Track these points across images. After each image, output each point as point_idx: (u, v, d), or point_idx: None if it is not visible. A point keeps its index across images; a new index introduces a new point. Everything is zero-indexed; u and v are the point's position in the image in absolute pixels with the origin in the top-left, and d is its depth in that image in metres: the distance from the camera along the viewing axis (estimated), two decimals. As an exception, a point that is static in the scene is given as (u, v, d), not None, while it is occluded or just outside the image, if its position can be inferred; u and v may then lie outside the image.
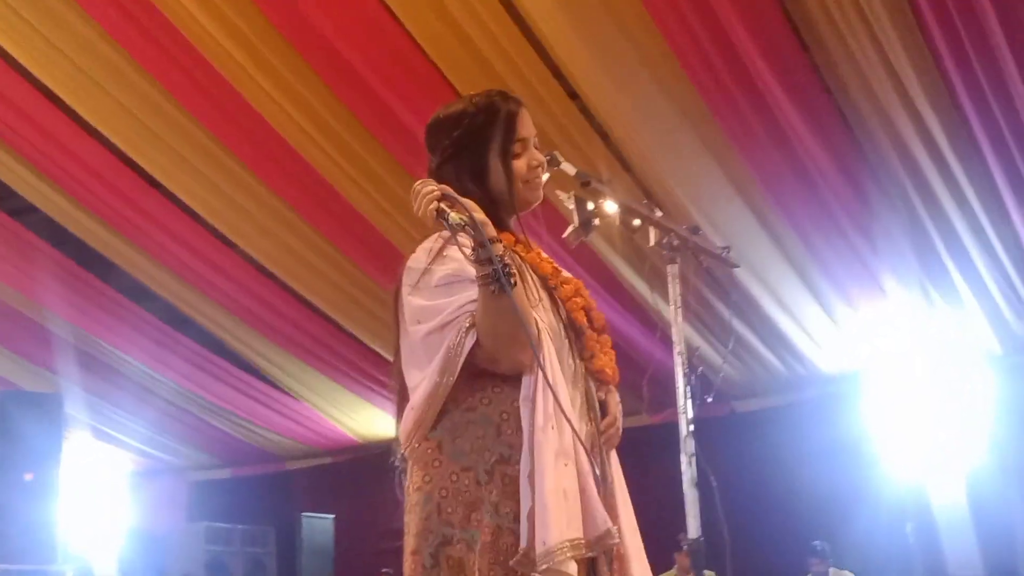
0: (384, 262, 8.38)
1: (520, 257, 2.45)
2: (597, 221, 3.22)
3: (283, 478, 13.08)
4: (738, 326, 8.97)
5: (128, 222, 8.34)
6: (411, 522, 2.34)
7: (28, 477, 8.85)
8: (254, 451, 12.71)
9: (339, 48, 6.63)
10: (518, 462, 2.24)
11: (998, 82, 6.33)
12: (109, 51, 6.68)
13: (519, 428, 2.26)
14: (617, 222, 3.30)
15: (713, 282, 7.99)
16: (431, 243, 2.39)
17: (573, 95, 6.87)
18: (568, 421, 2.22)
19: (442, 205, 2.20)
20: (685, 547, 9.04)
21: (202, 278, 9.05)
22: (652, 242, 3.26)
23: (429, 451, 2.34)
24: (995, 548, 8.65)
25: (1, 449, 8.84)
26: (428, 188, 2.24)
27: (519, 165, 2.51)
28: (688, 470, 3.28)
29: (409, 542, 2.33)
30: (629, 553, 2.39)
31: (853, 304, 8.59)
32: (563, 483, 2.20)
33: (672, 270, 3.23)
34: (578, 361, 2.45)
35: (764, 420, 10.17)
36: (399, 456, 2.47)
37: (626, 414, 2.58)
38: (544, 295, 2.46)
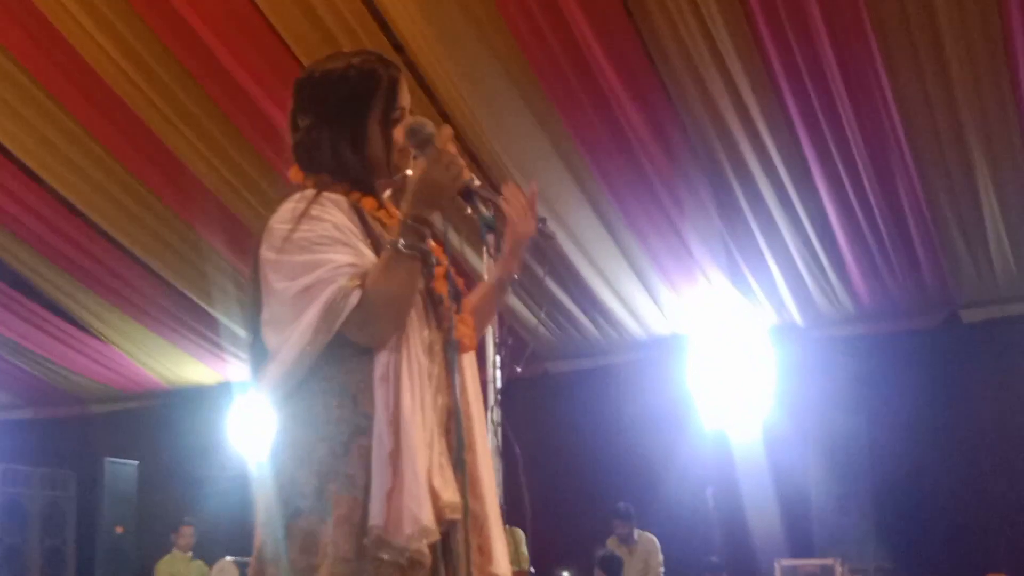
0: (200, 207, 8.24)
1: (383, 223, 2.41)
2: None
3: (86, 421, 12.72)
4: (554, 289, 9.09)
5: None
6: (260, 492, 2.28)
7: None
8: (57, 392, 12.36)
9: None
10: (371, 436, 2.21)
11: (815, 65, 6.55)
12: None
13: (373, 403, 2.23)
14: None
15: (532, 246, 8.06)
16: (294, 203, 2.33)
17: (398, 47, 6.82)
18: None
19: (475, 186, 2.33)
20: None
21: (8, 215, 8.73)
22: (468, 211, 3.20)
23: (284, 420, 2.29)
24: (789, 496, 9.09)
25: None
26: (462, 161, 2.32)
27: (397, 133, 2.46)
28: (493, 439, 3.29)
29: (259, 513, 2.28)
30: (485, 496, 2.40)
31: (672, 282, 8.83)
32: (428, 466, 2.21)
33: (489, 239, 3.17)
34: (435, 331, 2.40)
35: (576, 382, 10.35)
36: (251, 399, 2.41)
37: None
38: None
